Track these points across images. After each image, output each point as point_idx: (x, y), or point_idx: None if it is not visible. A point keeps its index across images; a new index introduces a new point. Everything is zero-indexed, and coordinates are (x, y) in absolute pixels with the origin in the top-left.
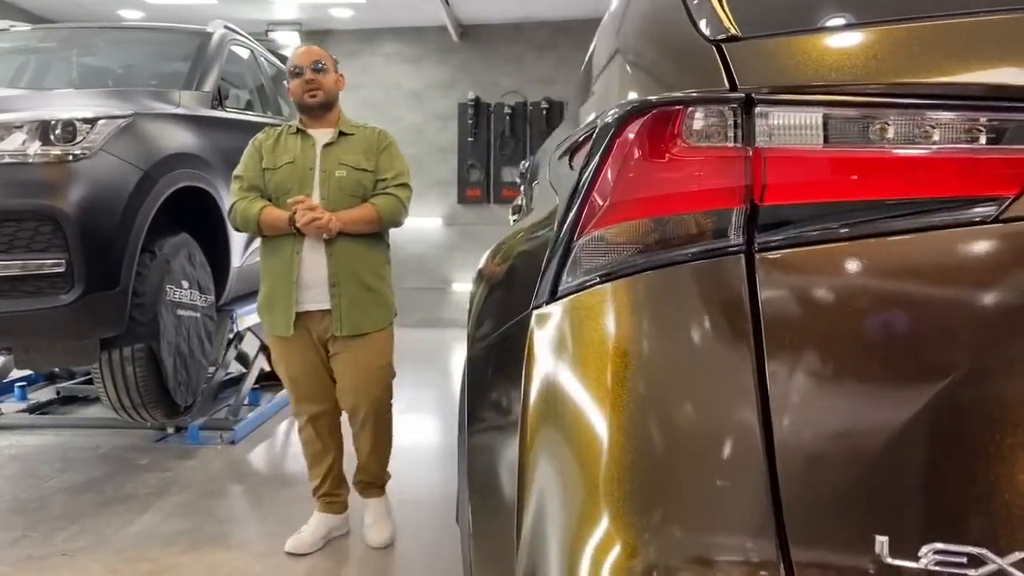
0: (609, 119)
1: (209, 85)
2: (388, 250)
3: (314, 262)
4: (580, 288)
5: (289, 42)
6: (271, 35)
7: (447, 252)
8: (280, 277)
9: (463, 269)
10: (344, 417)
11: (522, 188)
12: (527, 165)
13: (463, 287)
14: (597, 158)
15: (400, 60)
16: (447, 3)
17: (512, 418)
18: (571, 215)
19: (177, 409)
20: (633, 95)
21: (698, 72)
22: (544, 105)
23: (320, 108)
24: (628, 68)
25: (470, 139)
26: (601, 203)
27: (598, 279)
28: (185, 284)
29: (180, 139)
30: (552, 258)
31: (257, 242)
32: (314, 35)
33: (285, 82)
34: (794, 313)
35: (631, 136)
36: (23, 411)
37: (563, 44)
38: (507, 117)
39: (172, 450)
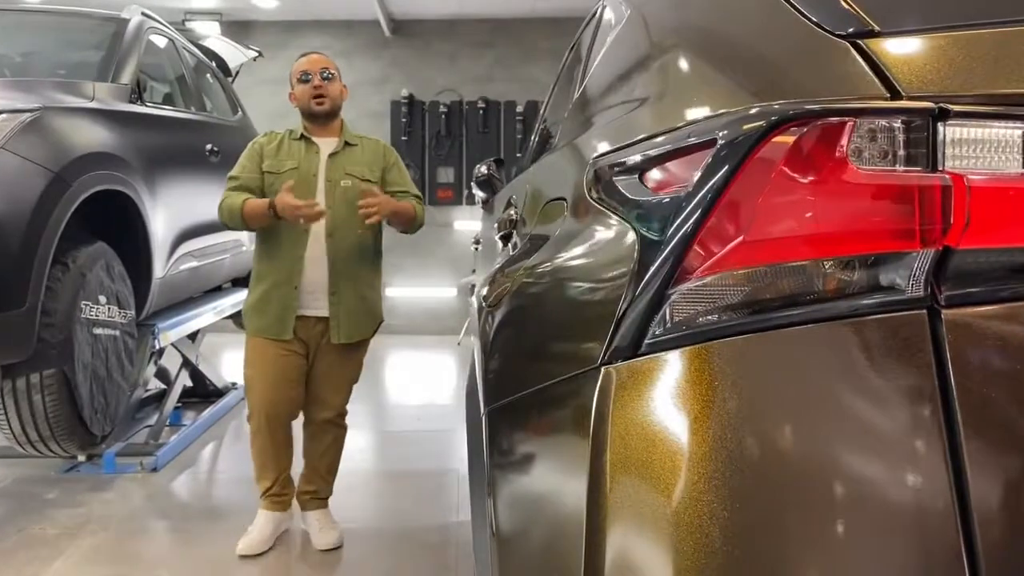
0: (734, 131)
1: (127, 77)
2: (381, 259)
3: (315, 268)
4: (678, 344)
5: (208, 32)
6: (188, 24)
7: None
8: (280, 281)
9: (398, 273)
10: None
11: (509, 199)
12: (485, 171)
13: (397, 292)
14: (715, 182)
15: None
16: None
17: (571, 502)
18: (665, 254)
19: (93, 439)
20: (709, 104)
21: (830, 76)
22: (481, 105)
23: (326, 116)
24: (709, 69)
25: (404, 138)
26: (720, 241)
27: (706, 335)
28: (103, 299)
29: (96, 137)
30: (634, 305)
31: (184, 249)
32: (235, 26)
33: (291, 90)
34: (1001, 389)
35: (774, 155)
36: None
37: (500, 43)
38: (442, 116)
39: (85, 481)
